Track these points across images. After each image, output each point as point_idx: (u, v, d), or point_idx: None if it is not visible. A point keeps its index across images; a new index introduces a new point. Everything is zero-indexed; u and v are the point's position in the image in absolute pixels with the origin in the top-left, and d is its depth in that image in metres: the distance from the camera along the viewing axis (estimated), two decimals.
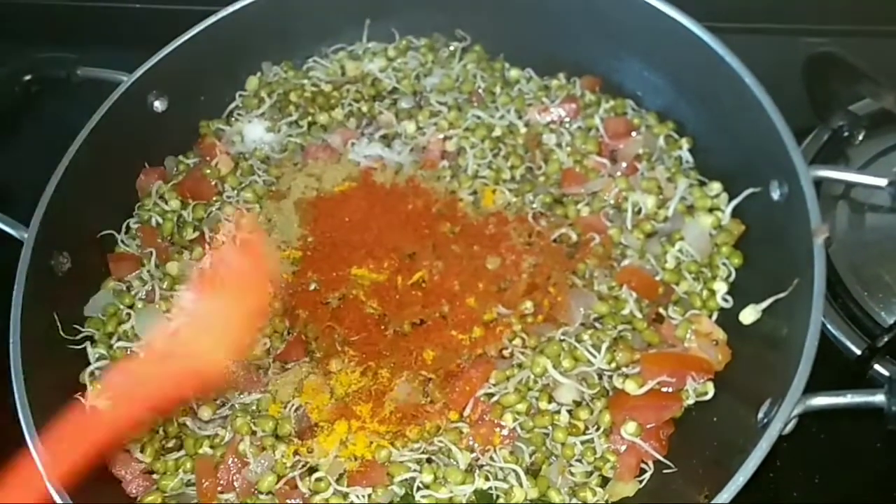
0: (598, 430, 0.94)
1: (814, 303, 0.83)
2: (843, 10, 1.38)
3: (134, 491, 0.94)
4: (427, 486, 0.90)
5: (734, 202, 1.05)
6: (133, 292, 1.08)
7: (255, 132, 1.23)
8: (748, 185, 1.03)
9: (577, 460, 0.93)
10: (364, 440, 0.94)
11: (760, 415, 0.82)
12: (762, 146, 0.99)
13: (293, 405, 0.97)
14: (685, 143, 1.15)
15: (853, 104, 1.22)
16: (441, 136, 1.20)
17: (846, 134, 1.23)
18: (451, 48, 1.30)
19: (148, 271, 1.10)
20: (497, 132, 1.19)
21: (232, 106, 1.27)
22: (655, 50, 1.16)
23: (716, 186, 1.09)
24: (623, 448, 0.93)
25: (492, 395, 0.97)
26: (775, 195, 0.97)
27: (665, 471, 0.92)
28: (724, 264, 1.04)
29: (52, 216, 1.02)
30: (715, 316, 1.02)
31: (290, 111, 1.25)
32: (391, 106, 1.25)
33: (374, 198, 1.14)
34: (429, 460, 0.92)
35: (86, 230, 1.10)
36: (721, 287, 1.02)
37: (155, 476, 0.95)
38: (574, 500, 0.91)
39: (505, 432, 0.93)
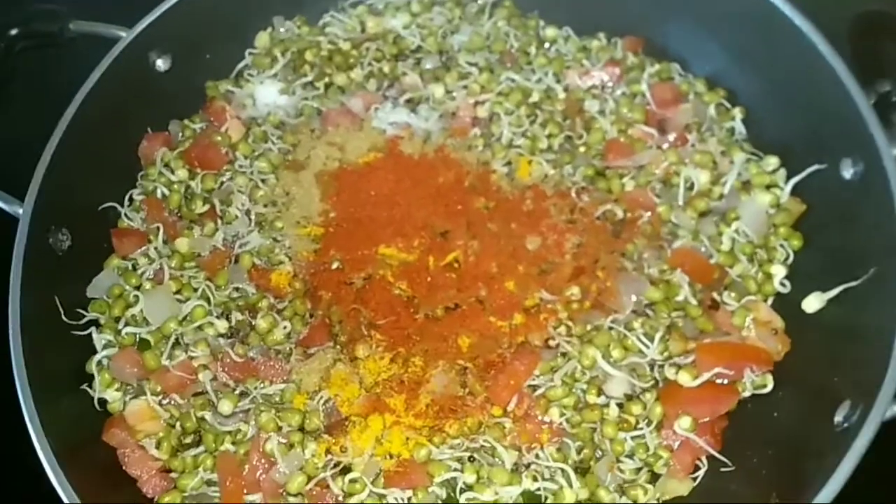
0: (649, 424, 0.88)
1: None
2: None
3: (151, 491, 0.87)
4: (470, 488, 0.84)
5: (795, 179, 0.97)
6: (139, 271, 0.99)
7: (267, 94, 1.13)
8: (811, 161, 0.95)
9: (628, 456, 0.87)
10: (400, 436, 0.87)
11: (839, 418, 0.76)
12: (831, 118, 0.91)
13: (321, 397, 0.90)
14: (738, 112, 1.06)
15: None
16: (472, 100, 1.10)
17: (894, 99, 1.16)
18: (480, 2, 1.19)
19: (155, 248, 1.00)
20: (534, 97, 1.10)
21: (241, 65, 1.16)
22: (704, 7, 1.06)
23: (773, 161, 1.01)
24: (677, 444, 0.87)
25: (535, 387, 0.90)
26: (847, 174, 0.89)
27: (722, 469, 0.86)
28: (781, 246, 0.97)
29: (49, 189, 0.93)
30: (771, 301, 0.95)
31: (305, 71, 1.14)
32: (415, 66, 1.14)
33: (402, 170, 1.05)
34: (471, 458, 0.86)
35: (86, 204, 1.00)
36: (779, 271, 0.95)
37: (173, 475, 0.88)
38: (624, 499, 0.85)
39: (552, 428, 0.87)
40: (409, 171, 1.05)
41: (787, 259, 0.96)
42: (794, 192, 0.98)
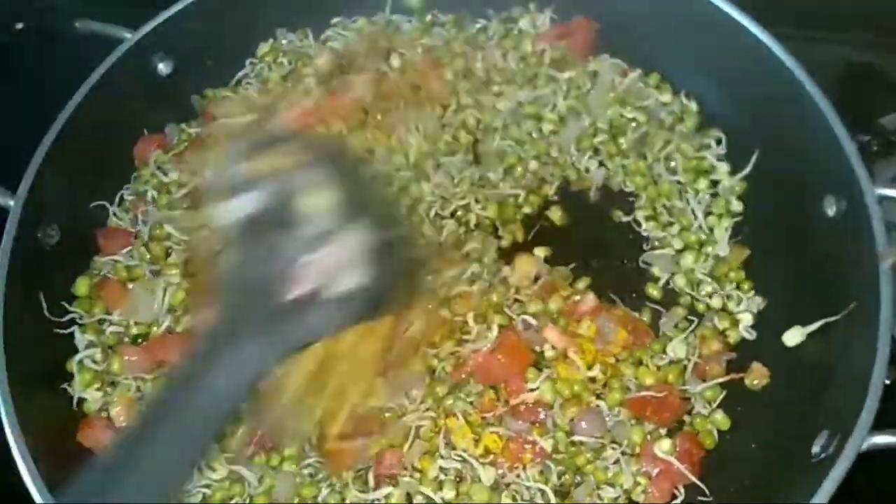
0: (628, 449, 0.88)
1: (880, 332, 0.77)
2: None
3: None
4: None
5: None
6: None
7: None
8: (796, 198, 0.97)
9: (608, 484, 0.87)
10: None
11: (816, 448, 0.77)
12: (816, 157, 0.94)
13: None
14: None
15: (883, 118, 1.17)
16: None
17: (874, 148, 1.19)
18: (479, 26, 1.21)
19: (143, 246, 1.00)
20: None
21: (241, 74, 1.17)
22: (694, 40, 1.08)
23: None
24: (655, 471, 0.88)
25: None
26: (830, 211, 0.92)
27: (700, 498, 0.86)
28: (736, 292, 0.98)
29: (42, 183, 0.93)
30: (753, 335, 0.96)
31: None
32: None
33: None
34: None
35: (78, 201, 1.00)
36: (745, 318, 0.96)
37: None
38: None
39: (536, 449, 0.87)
40: None
41: (740, 303, 0.97)
42: (780, 224, 0.99)
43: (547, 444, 0.86)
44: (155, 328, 0.95)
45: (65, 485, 0.59)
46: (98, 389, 0.91)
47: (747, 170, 1.04)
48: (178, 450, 0.60)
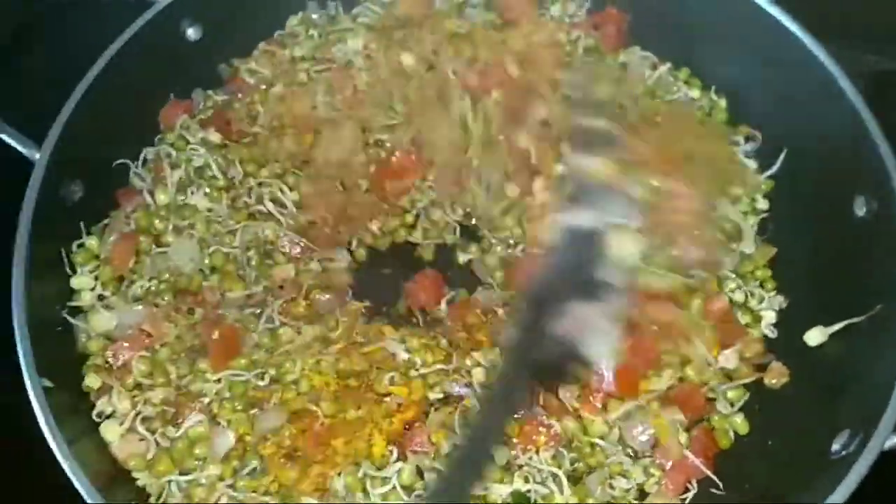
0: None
1: None
2: None
3: None
4: None
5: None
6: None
7: None
8: (826, 197, 0.96)
9: (622, 475, 0.86)
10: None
11: (836, 446, 0.77)
12: (849, 157, 0.93)
13: None
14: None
15: None
16: None
17: None
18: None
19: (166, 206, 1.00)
20: None
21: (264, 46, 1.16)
22: (727, 36, 1.07)
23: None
24: (669, 464, 0.87)
25: None
26: (860, 212, 0.91)
27: (712, 490, 0.86)
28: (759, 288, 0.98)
29: (68, 138, 0.92)
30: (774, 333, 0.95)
31: None
32: None
33: None
34: None
35: (101, 158, 0.99)
36: (768, 315, 0.96)
37: None
38: None
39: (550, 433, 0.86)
40: None
41: (762, 301, 0.96)
42: (808, 223, 0.98)
43: (560, 429, 0.86)
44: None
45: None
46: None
47: (774, 168, 1.04)
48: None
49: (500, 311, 0.91)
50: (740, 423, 0.89)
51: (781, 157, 1.03)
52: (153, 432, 0.85)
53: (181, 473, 0.84)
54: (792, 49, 0.98)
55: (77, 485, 0.75)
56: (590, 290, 0.66)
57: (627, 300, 0.67)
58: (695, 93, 1.12)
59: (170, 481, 0.83)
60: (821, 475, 0.75)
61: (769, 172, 1.04)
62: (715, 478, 0.85)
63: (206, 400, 0.87)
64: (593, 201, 0.69)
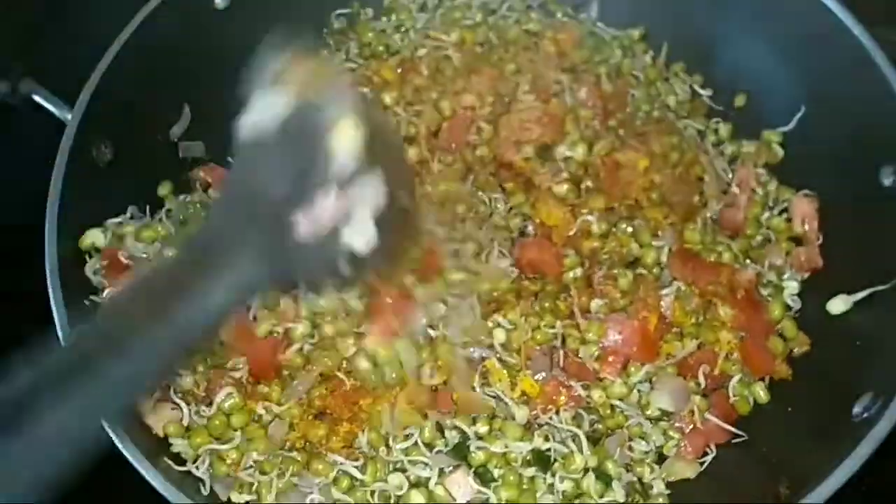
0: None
1: None
2: None
3: None
4: (481, 438, 0.84)
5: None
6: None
7: None
8: (851, 167, 0.96)
9: (642, 438, 0.87)
10: None
11: (858, 409, 0.77)
12: (876, 126, 0.92)
13: None
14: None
15: None
16: None
17: None
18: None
19: None
20: None
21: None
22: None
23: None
24: (689, 427, 0.87)
25: None
26: (887, 181, 0.90)
27: (733, 445, 0.87)
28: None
29: (99, 100, 0.93)
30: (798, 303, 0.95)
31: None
32: None
33: None
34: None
35: (133, 123, 1.00)
36: (791, 286, 0.96)
37: None
38: (630, 476, 0.86)
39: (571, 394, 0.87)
40: None
41: (784, 273, 0.96)
42: (832, 192, 0.98)
43: (582, 392, 0.87)
44: None
45: None
46: None
47: (791, 125, 1.04)
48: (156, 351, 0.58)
49: None
50: (762, 394, 0.90)
51: (798, 115, 1.03)
52: (187, 403, 0.86)
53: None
54: (824, 20, 0.97)
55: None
56: (322, 185, 0.57)
57: (375, 187, 0.59)
58: None
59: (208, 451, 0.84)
60: (842, 436, 0.75)
61: (783, 128, 1.04)
62: (741, 433, 0.86)
63: (237, 374, 0.87)
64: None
